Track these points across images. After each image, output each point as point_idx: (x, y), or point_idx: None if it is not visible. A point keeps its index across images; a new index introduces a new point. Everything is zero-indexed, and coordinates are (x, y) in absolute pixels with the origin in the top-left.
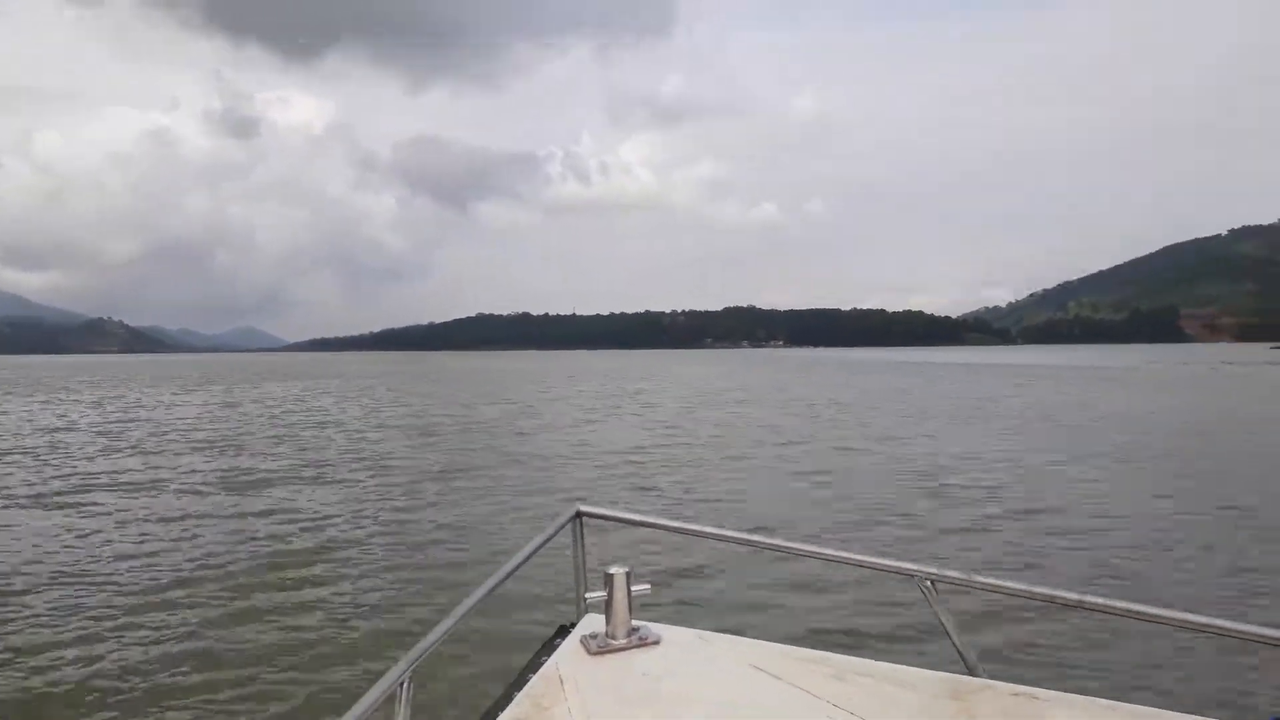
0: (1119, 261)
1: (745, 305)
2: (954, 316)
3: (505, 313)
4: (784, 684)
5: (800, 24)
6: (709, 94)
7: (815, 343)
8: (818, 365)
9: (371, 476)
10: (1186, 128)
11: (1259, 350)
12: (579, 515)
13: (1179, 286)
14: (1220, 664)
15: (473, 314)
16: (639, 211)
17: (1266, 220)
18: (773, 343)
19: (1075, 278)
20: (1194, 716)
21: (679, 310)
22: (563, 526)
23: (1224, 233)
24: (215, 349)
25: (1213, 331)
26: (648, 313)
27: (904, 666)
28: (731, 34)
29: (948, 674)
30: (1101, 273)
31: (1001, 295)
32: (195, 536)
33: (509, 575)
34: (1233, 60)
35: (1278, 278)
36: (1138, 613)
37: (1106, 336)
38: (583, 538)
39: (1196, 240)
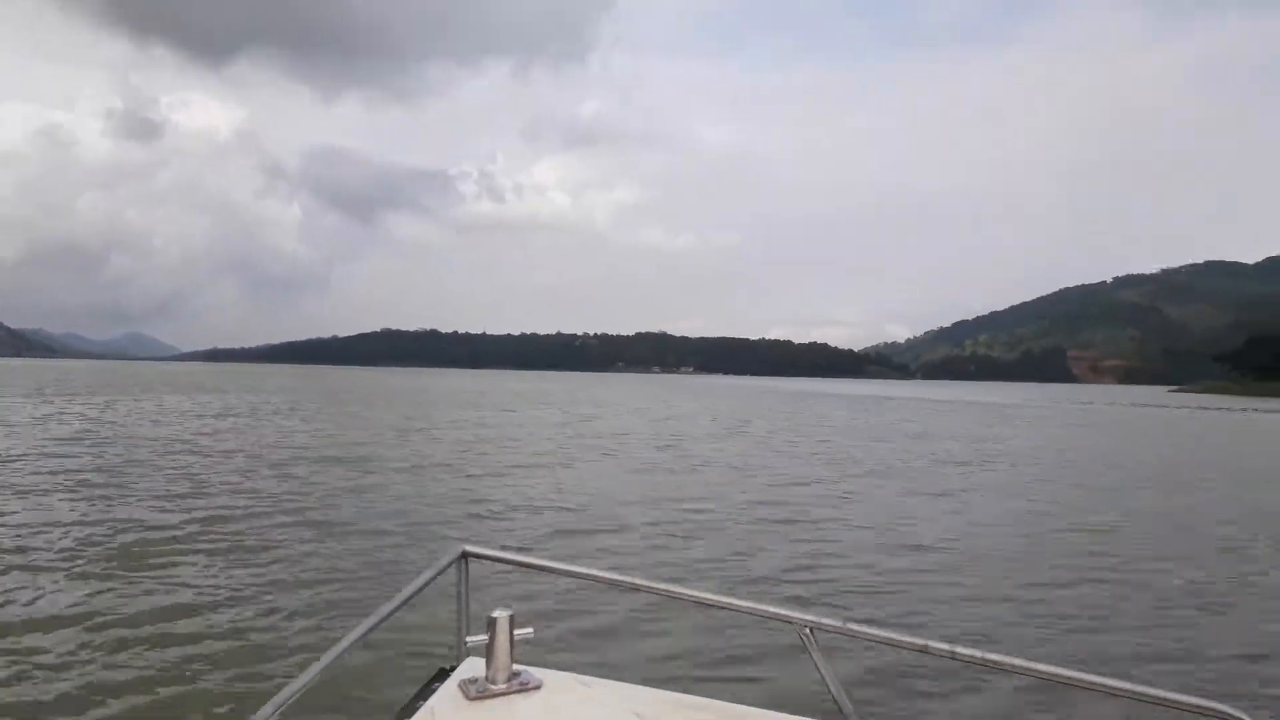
0: (1011, 303)
1: (657, 331)
2: (856, 350)
3: (412, 329)
4: None
5: (717, 60)
6: (626, 121)
7: (725, 370)
8: (764, 394)
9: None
10: (1076, 178)
11: (1159, 392)
12: (464, 555)
13: (1066, 329)
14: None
15: (378, 329)
16: (553, 233)
17: (1147, 270)
18: (683, 369)
19: (970, 317)
20: None
21: (591, 333)
22: (446, 567)
23: (1108, 280)
24: (103, 355)
25: (1097, 373)
26: (559, 334)
27: (782, 714)
28: (650, 64)
29: None
30: (995, 313)
31: (901, 331)
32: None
33: (388, 617)
34: (1114, 118)
35: (1157, 325)
36: (1001, 664)
37: (1001, 374)
38: (467, 579)
39: (1082, 286)
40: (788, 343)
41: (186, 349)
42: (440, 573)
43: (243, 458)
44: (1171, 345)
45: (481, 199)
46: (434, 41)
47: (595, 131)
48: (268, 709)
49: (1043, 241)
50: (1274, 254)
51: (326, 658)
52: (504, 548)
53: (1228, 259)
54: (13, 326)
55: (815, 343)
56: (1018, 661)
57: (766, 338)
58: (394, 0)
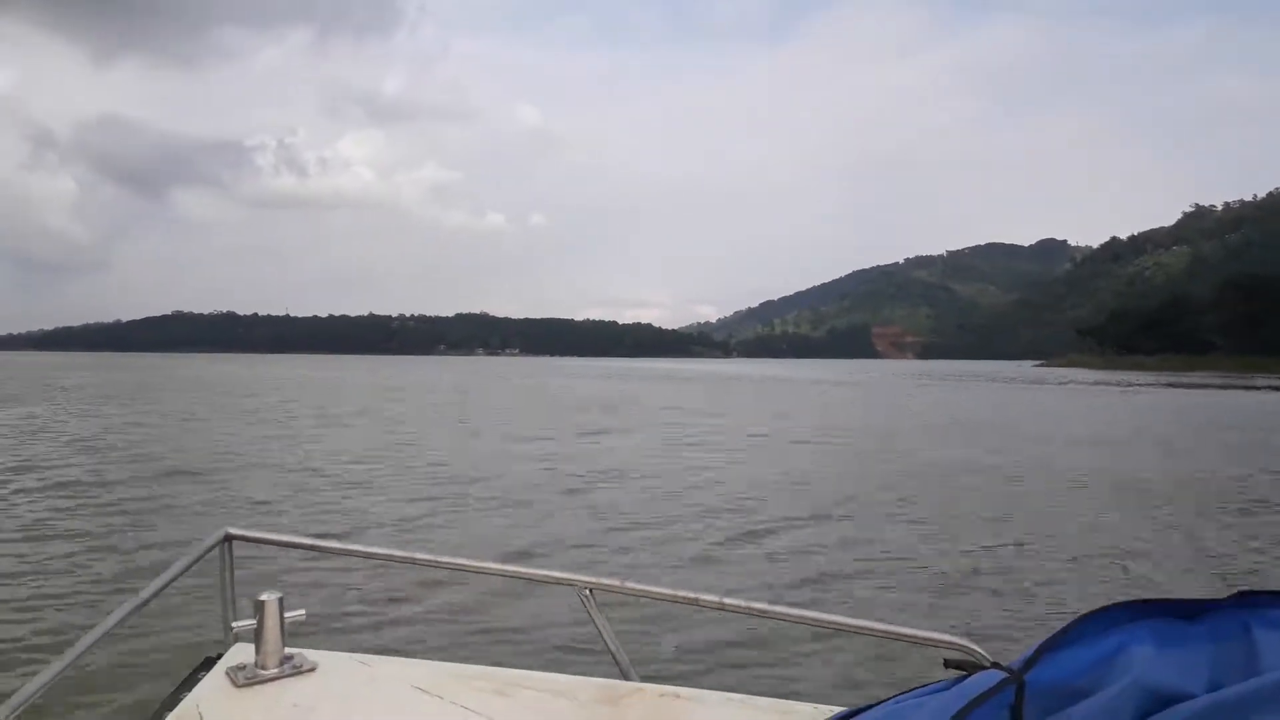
0: (813, 284)
1: (478, 312)
2: (675, 329)
3: (207, 311)
4: (445, 702)
5: (525, 39)
6: (432, 98)
7: (550, 351)
8: (618, 376)
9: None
10: (865, 168)
11: (1025, 367)
12: (228, 538)
13: (868, 307)
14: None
15: (168, 312)
16: (360, 210)
17: (935, 252)
18: (508, 351)
19: (776, 297)
20: (818, 705)
21: (408, 314)
22: (208, 551)
23: (901, 261)
24: None
25: (898, 350)
26: (373, 316)
27: (563, 675)
28: (456, 40)
29: (604, 679)
30: (799, 293)
31: (710, 312)
32: None
33: (141, 606)
34: (898, 112)
35: (948, 302)
36: (766, 612)
37: (811, 351)
38: (231, 562)
39: (879, 267)
40: (612, 323)
41: None
42: (201, 557)
43: None
44: (964, 321)
45: (281, 173)
46: (223, 3)
47: (400, 107)
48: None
49: (837, 227)
50: (1045, 236)
51: (70, 653)
52: (270, 529)
53: (1005, 241)
54: None
55: (640, 323)
56: (779, 609)
57: (588, 318)
58: None
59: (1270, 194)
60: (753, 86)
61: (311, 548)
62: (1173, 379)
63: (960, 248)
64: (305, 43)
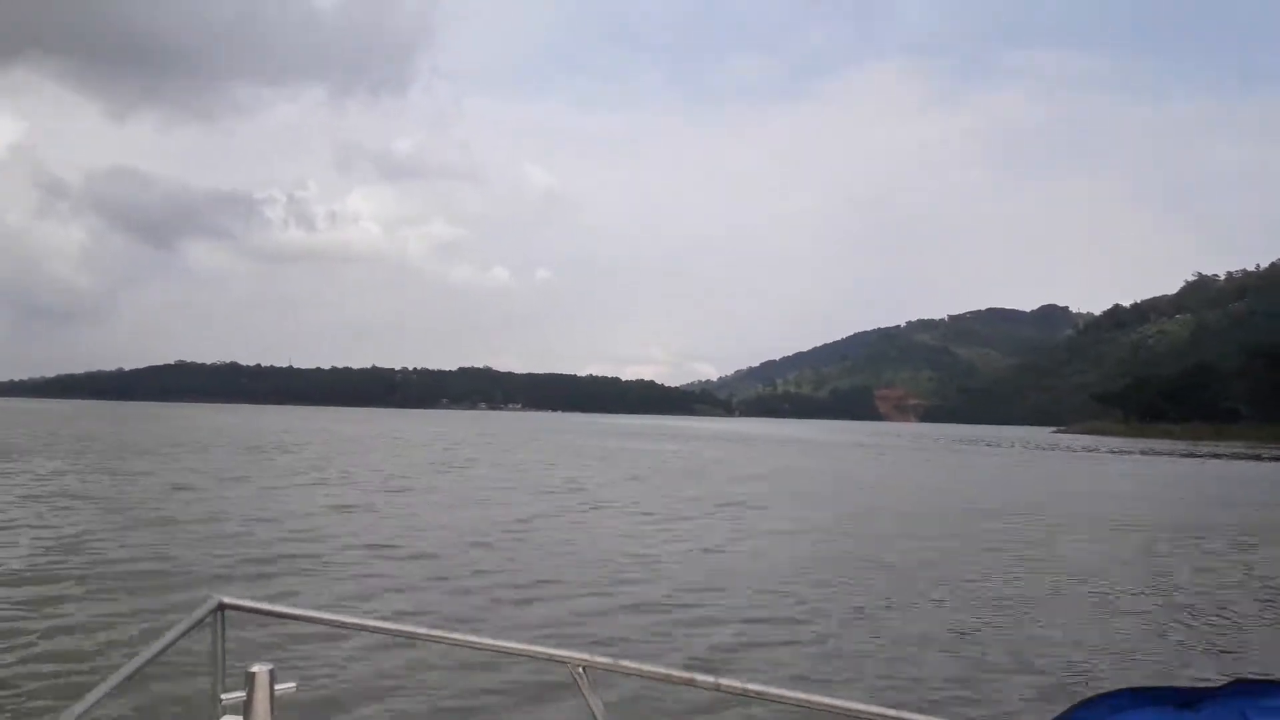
0: (815, 345)
1: (481, 366)
2: (677, 386)
3: (210, 361)
4: None
5: (535, 98)
6: (443, 155)
7: (553, 406)
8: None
9: None
10: (869, 231)
11: (1044, 433)
12: (220, 607)
13: (869, 369)
14: None
15: (171, 361)
16: (365, 265)
17: (938, 316)
18: (510, 405)
19: (778, 357)
20: None
21: (411, 368)
22: (200, 620)
23: (903, 324)
24: None
25: (900, 412)
26: (375, 369)
27: None
28: (467, 99)
29: None
30: (801, 354)
31: (710, 370)
32: None
33: (130, 677)
34: (904, 177)
35: (950, 365)
36: (763, 694)
37: (814, 412)
38: (223, 633)
39: (880, 329)
40: (615, 379)
41: None
42: (194, 626)
43: None
44: (964, 384)
45: (290, 226)
46: (241, 60)
47: (411, 164)
48: None
49: (840, 289)
50: (1046, 302)
51: None
52: (265, 598)
53: (1006, 306)
54: None
55: (643, 379)
56: (775, 690)
57: (591, 374)
58: (196, 14)
59: (1273, 264)
60: (759, 149)
61: (306, 618)
62: (1216, 448)
63: (962, 312)
64: (320, 99)
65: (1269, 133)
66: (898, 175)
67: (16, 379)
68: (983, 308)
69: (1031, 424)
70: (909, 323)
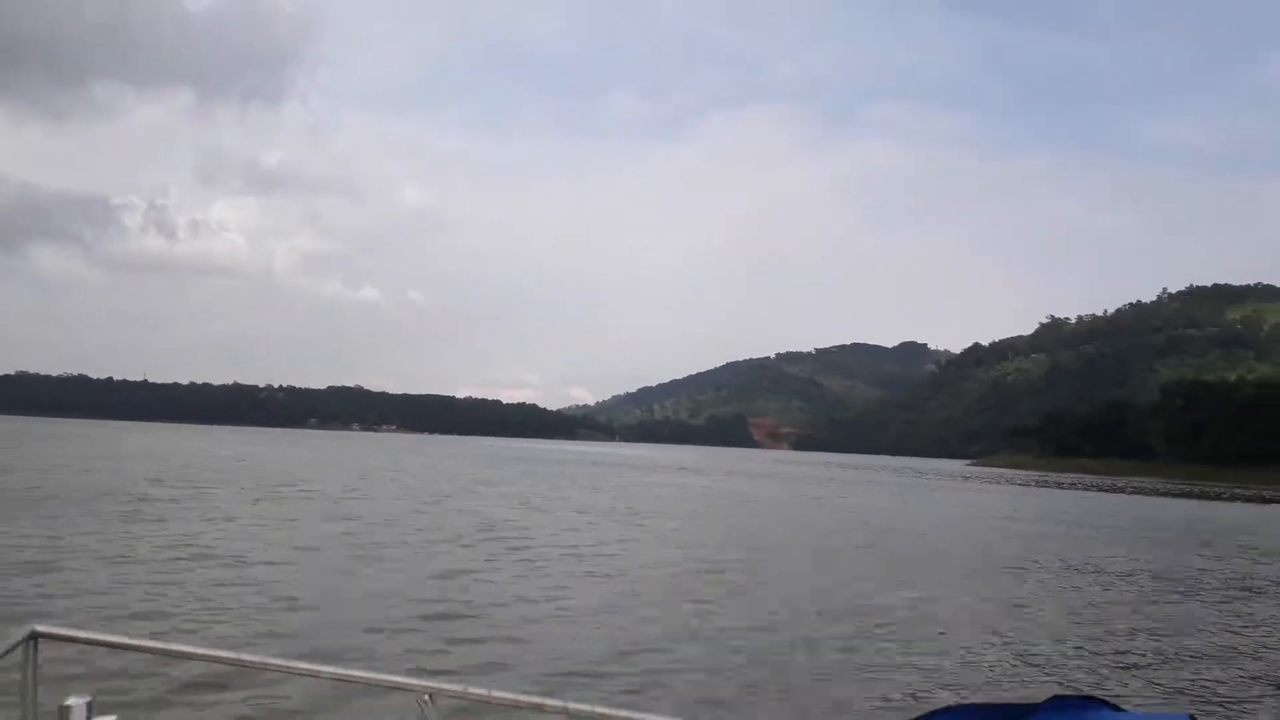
0: (689, 373)
1: (353, 386)
2: (556, 410)
3: (55, 373)
4: None
5: (417, 120)
6: (315, 169)
7: (430, 429)
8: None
9: None
10: (739, 267)
11: (958, 465)
12: (33, 636)
13: (742, 398)
14: None
15: (10, 371)
16: (227, 278)
17: (805, 349)
18: (385, 427)
19: (654, 384)
20: None
21: (277, 385)
22: (9, 651)
23: (773, 355)
24: None
25: (774, 440)
26: (237, 385)
27: None
28: (344, 115)
29: None
30: (675, 381)
31: (585, 395)
32: None
33: None
34: (781, 213)
35: (819, 397)
36: (610, 717)
37: (691, 438)
38: (34, 663)
39: (751, 360)
40: (496, 402)
41: None
42: (2, 656)
43: None
44: (835, 415)
45: (149, 233)
46: (102, 58)
47: (280, 176)
48: None
49: (713, 321)
50: (906, 339)
51: None
52: (81, 626)
53: (870, 342)
54: None
55: (522, 403)
56: (626, 714)
57: (470, 396)
58: (54, 8)
59: (1119, 310)
60: (640, 184)
61: (128, 646)
62: (1143, 483)
63: (828, 345)
64: (187, 104)
65: (1107, 190)
66: (771, 214)
67: None
68: (848, 342)
69: (896, 454)
70: (778, 354)
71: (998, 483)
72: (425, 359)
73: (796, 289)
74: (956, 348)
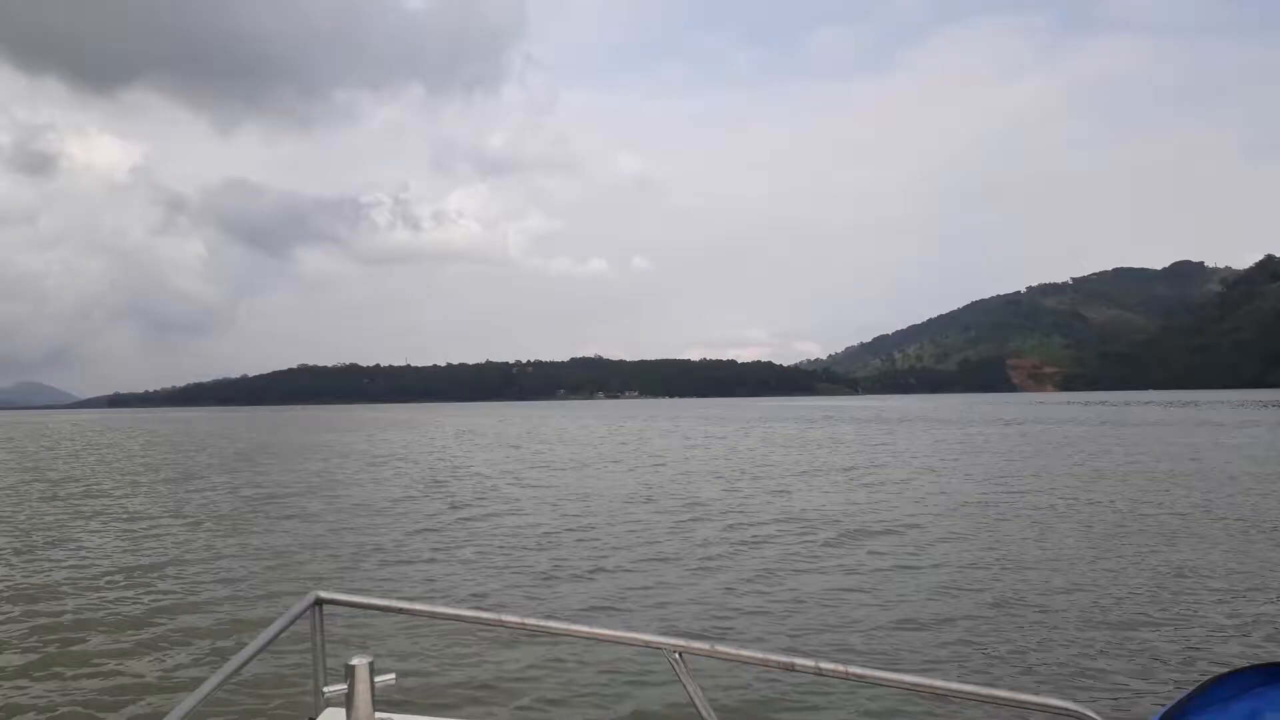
0: (929, 316)
1: (593, 356)
2: (792, 365)
3: (330, 364)
4: None
5: (625, 86)
6: (537, 148)
7: (669, 393)
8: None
9: None
10: (976, 197)
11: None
12: (319, 602)
13: (994, 338)
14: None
15: (293, 365)
16: (467, 262)
17: (1060, 279)
18: (628, 394)
19: (890, 331)
20: None
21: (526, 361)
22: (300, 615)
23: (1023, 289)
24: None
25: (1037, 382)
26: (490, 363)
27: None
28: (558, 92)
29: None
30: (915, 326)
31: (813, 349)
32: None
33: (235, 672)
34: (1010, 133)
35: (1082, 331)
36: (865, 677)
37: (941, 386)
38: (322, 626)
39: (999, 296)
40: (731, 362)
41: (85, 395)
42: (293, 621)
43: None
44: (1106, 349)
45: (396, 227)
46: (339, 65)
47: (504, 158)
48: None
49: (949, 256)
50: (1179, 259)
51: (171, 718)
52: (361, 591)
53: (1135, 265)
54: None
55: (758, 360)
56: (878, 673)
57: (705, 358)
58: (294, 24)
59: None
60: (853, 121)
61: (401, 610)
62: None
63: (1087, 273)
64: (417, 99)
65: None
66: (1004, 136)
67: (150, 389)
68: (1110, 267)
69: (1182, 387)
70: (1030, 288)
71: None
72: (653, 324)
73: (1043, 215)
74: (1242, 263)
